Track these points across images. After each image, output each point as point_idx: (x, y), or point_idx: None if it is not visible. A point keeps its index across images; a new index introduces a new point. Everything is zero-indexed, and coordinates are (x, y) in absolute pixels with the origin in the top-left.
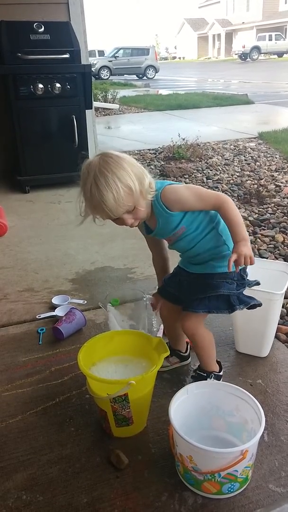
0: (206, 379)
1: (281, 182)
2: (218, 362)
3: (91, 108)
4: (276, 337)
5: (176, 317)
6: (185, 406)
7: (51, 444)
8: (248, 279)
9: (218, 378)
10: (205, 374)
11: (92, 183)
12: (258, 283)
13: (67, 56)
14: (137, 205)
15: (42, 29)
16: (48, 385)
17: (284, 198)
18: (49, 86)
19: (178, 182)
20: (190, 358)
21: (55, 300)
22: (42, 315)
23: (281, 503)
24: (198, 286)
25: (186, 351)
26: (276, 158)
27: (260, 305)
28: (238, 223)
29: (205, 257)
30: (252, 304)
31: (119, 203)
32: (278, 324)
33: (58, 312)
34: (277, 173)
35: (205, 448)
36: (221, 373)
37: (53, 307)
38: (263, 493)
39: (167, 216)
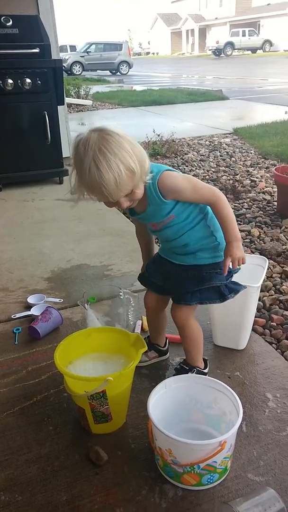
0: (187, 373)
1: (256, 177)
2: (205, 360)
3: (63, 104)
4: (253, 329)
5: (161, 307)
6: (163, 401)
7: (29, 443)
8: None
9: (201, 374)
10: (187, 368)
11: (91, 163)
12: (239, 269)
13: (36, 50)
14: (135, 188)
15: (10, 23)
16: (25, 385)
17: (259, 193)
18: (19, 81)
19: (173, 169)
20: (168, 353)
21: (30, 299)
22: (18, 315)
23: (259, 491)
24: (187, 278)
25: (164, 346)
26: (251, 153)
27: (245, 287)
28: (231, 221)
29: (192, 248)
30: (240, 290)
31: (120, 187)
32: (255, 317)
33: (34, 311)
34: (252, 168)
35: (183, 440)
36: (205, 370)
37: (29, 307)
38: (242, 482)
39: (160, 204)
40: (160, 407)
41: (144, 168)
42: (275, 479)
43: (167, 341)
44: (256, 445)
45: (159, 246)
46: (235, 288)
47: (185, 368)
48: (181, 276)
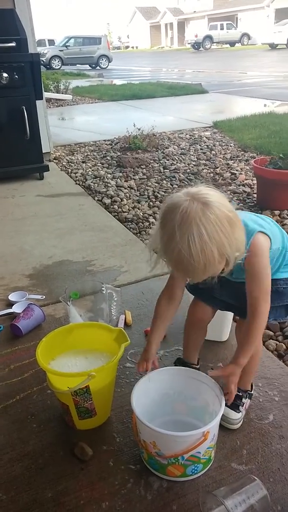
0: (241, 399)
1: (236, 170)
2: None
3: (42, 99)
4: (235, 320)
5: (206, 320)
6: (147, 394)
7: (13, 442)
8: None
9: (250, 397)
10: (241, 394)
11: (184, 240)
12: None
13: (13, 44)
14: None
15: None
16: (7, 383)
17: (239, 185)
18: None
19: (264, 229)
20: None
21: (12, 297)
22: None
23: (243, 480)
24: None
25: (198, 364)
26: (231, 146)
27: None
28: (251, 343)
29: None
30: None
31: (207, 272)
32: None
33: (16, 308)
34: (232, 161)
35: (167, 432)
36: (252, 392)
37: (10, 304)
38: (226, 472)
39: (240, 268)
40: (144, 400)
41: (239, 252)
42: (258, 467)
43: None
44: (239, 434)
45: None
46: None
47: (238, 394)
48: None
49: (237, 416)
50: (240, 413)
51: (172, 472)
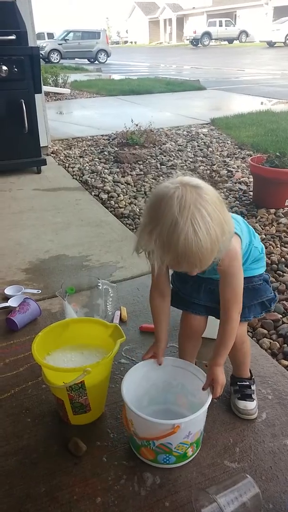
0: (250, 387)
1: (233, 168)
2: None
3: (41, 92)
4: None
5: (201, 331)
6: (149, 377)
7: (7, 436)
8: None
9: (254, 382)
10: (248, 383)
11: (188, 227)
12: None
13: (13, 37)
14: None
15: None
16: (2, 377)
17: (235, 183)
18: None
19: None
20: None
21: (8, 291)
22: None
23: (235, 477)
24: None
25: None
26: (227, 143)
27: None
28: (228, 345)
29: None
30: (276, 299)
31: (213, 253)
32: None
33: (12, 302)
34: (229, 158)
35: (138, 414)
36: (254, 377)
37: (6, 298)
38: (218, 469)
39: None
40: (144, 383)
41: (231, 233)
42: (251, 465)
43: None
44: (232, 432)
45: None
46: (273, 298)
47: (246, 384)
48: None
49: (253, 406)
50: (254, 400)
51: (145, 454)
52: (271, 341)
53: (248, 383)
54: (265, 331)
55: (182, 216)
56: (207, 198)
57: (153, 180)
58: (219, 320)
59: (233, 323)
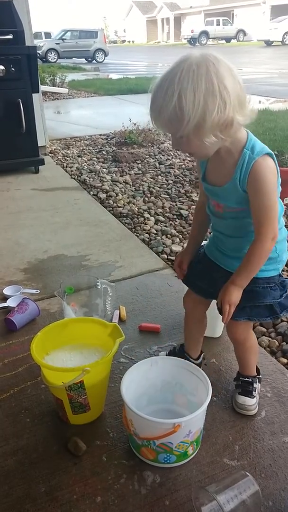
0: (253, 384)
1: None
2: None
3: (38, 92)
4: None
5: (201, 312)
6: (147, 376)
7: (6, 436)
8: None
9: (260, 381)
10: (251, 380)
11: (177, 84)
12: None
13: (10, 37)
14: (211, 136)
15: None
16: (1, 377)
17: None
18: None
19: (270, 153)
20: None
21: (6, 291)
22: None
23: (235, 475)
24: None
25: (197, 358)
26: None
27: None
28: (251, 266)
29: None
30: None
31: (191, 124)
32: None
33: (10, 303)
34: None
35: (139, 413)
36: (260, 376)
37: (5, 298)
38: (218, 467)
39: (240, 188)
40: (144, 382)
41: (243, 115)
42: (250, 463)
43: (202, 355)
44: (231, 430)
45: (207, 240)
46: (281, 303)
47: (248, 381)
48: None
49: (252, 402)
50: (255, 398)
51: (145, 454)
52: (270, 339)
53: (250, 380)
54: (264, 329)
55: (178, 76)
56: (214, 70)
57: (151, 179)
58: (207, 314)
59: (258, 244)
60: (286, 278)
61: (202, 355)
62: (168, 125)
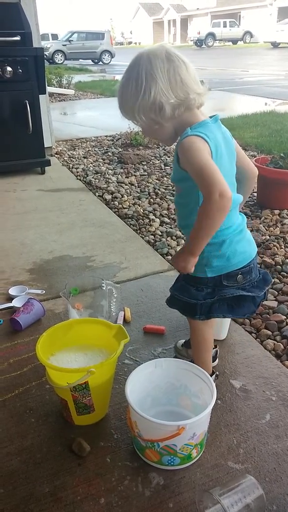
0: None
1: None
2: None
3: (45, 93)
4: (233, 319)
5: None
6: (151, 378)
7: (11, 436)
8: (243, 286)
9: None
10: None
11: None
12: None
13: (17, 38)
14: (153, 123)
15: None
16: (6, 377)
17: None
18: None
19: (207, 138)
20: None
21: (12, 291)
22: None
23: (239, 479)
24: (180, 276)
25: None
26: None
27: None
28: (200, 232)
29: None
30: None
31: (127, 105)
32: None
33: (16, 303)
34: None
35: (143, 415)
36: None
37: (10, 298)
38: (222, 470)
39: (176, 164)
40: (147, 384)
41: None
42: (254, 467)
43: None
44: (236, 433)
45: None
46: (213, 314)
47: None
48: None
49: None
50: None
51: (149, 456)
52: (275, 342)
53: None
54: (269, 332)
55: (126, 69)
56: (147, 62)
57: (157, 181)
58: (224, 322)
59: (204, 203)
60: (227, 287)
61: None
62: (121, 111)
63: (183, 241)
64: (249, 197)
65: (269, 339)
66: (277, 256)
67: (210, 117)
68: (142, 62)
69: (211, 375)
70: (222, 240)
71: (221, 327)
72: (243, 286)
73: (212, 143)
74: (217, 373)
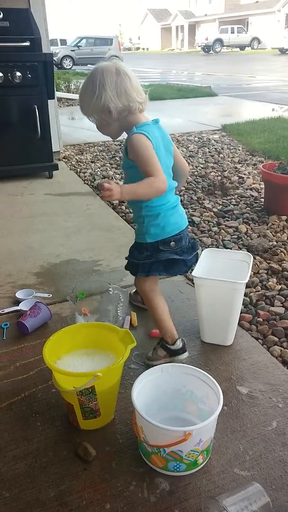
0: (155, 348)
1: (244, 174)
2: (183, 340)
3: (54, 98)
4: (240, 325)
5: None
6: (158, 384)
7: (17, 439)
8: (178, 250)
9: (164, 347)
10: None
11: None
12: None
13: (27, 44)
14: (106, 119)
15: (1, 16)
16: (13, 380)
17: (247, 189)
18: (9, 74)
19: (148, 134)
20: (184, 354)
21: (19, 294)
22: (6, 310)
23: (245, 486)
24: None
25: (173, 344)
26: (239, 150)
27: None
28: (139, 188)
29: (135, 217)
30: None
31: (88, 107)
32: (242, 312)
33: (23, 306)
34: (240, 165)
35: (150, 421)
36: (171, 347)
37: (17, 302)
38: (228, 477)
39: (125, 155)
40: (155, 390)
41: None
42: (261, 474)
43: (182, 342)
44: (242, 439)
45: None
46: (152, 271)
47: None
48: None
49: (150, 354)
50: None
51: (155, 461)
52: (282, 349)
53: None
54: (276, 339)
55: (89, 77)
56: (100, 74)
57: None
58: (219, 321)
59: (150, 177)
60: (166, 252)
61: (178, 341)
62: (81, 110)
63: None
64: (256, 202)
65: (275, 346)
66: (284, 262)
67: (152, 120)
68: (97, 74)
69: (175, 343)
70: (158, 212)
71: (228, 333)
72: (175, 251)
73: (153, 140)
74: (184, 339)
